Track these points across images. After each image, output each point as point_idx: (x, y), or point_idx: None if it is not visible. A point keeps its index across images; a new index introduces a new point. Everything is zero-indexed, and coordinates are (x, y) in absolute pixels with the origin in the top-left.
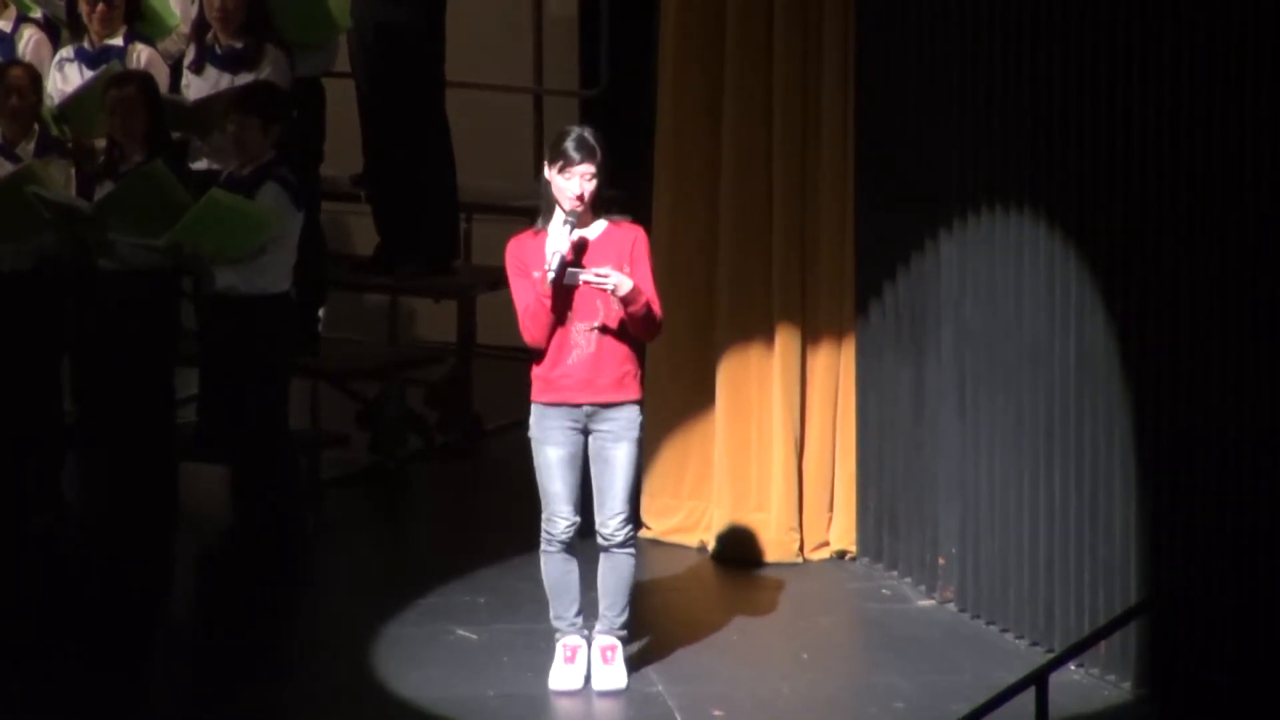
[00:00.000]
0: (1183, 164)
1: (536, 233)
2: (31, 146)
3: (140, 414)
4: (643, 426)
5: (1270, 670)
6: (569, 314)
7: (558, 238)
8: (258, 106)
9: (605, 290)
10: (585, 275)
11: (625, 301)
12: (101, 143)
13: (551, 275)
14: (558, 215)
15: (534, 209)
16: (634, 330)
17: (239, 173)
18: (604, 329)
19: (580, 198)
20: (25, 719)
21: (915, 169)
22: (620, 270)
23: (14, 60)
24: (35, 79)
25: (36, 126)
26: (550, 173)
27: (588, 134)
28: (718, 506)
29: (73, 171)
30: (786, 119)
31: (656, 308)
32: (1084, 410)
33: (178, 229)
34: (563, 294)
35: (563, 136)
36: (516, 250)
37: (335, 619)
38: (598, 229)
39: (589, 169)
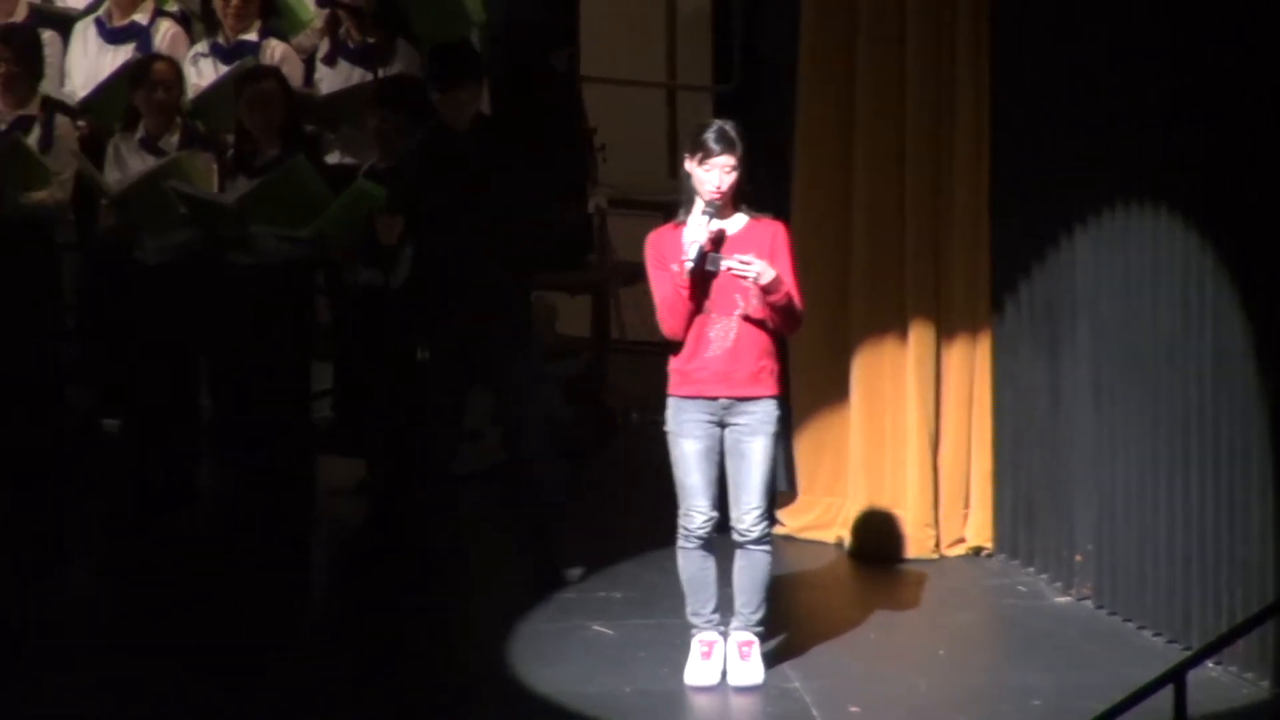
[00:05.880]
0: None
1: (677, 225)
2: (175, 139)
3: (276, 408)
4: (780, 422)
5: None
6: (707, 305)
7: (696, 228)
8: (401, 101)
9: (746, 281)
10: (728, 262)
11: (767, 291)
12: (230, 136)
13: (690, 265)
14: (697, 205)
15: (668, 203)
16: (775, 322)
17: (379, 166)
18: (742, 322)
19: (719, 190)
20: (165, 712)
21: (1049, 165)
22: None
23: (157, 54)
24: (179, 72)
25: (179, 120)
26: (690, 165)
27: (729, 127)
28: (853, 502)
29: (214, 165)
30: (921, 114)
31: (798, 300)
32: (1220, 406)
33: (324, 220)
34: (701, 284)
35: (703, 129)
36: (656, 243)
37: (470, 614)
38: (738, 223)
39: (729, 161)
